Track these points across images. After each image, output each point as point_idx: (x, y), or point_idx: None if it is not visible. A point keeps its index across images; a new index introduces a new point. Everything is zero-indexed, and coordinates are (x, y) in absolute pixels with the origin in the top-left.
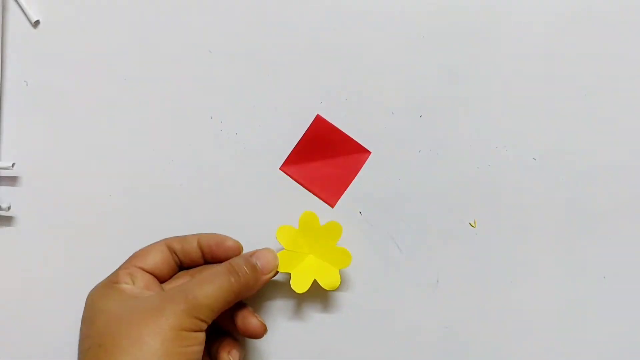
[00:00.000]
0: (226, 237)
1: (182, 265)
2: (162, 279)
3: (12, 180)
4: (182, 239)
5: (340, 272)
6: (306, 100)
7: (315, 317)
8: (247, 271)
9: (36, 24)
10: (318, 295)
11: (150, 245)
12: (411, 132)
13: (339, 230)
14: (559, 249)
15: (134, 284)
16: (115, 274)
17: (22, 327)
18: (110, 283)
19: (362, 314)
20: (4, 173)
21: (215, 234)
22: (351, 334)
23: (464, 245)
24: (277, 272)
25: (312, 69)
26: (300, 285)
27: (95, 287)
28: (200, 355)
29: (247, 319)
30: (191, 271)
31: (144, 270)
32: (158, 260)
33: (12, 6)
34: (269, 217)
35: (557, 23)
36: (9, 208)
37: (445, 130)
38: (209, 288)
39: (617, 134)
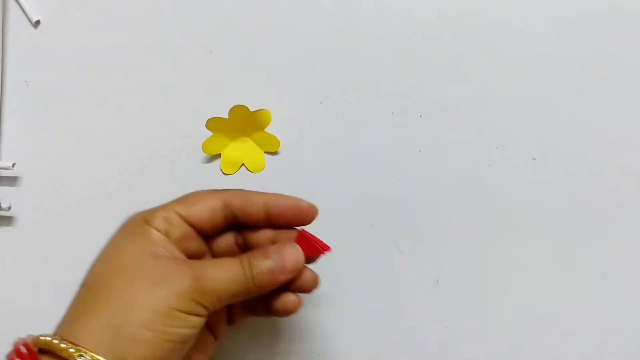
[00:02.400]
0: (299, 199)
1: (238, 223)
2: (205, 233)
3: (12, 180)
4: (244, 195)
5: (340, 272)
6: (306, 100)
7: (315, 317)
8: (264, 272)
9: (36, 24)
10: (318, 295)
11: (204, 192)
12: (411, 132)
13: (268, 116)
14: (559, 249)
15: (167, 233)
16: (153, 212)
17: (22, 327)
18: (142, 222)
19: (362, 314)
20: (4, 173)
21: (285, 195)
22: (351, 333)
23: (464, 245)
24: (300, 272)
25: (312, 69)
26: (229, 167)
27: (133, 215)
28: (191, 340)
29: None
30: (243, 233)
31: (184, 219)
32: (205, 214)
33: (12, 6)
34: None
35: (557, 23)
36: (9, 208)
37: (445, 130)
38: (222, 276)
39: (617, 134)
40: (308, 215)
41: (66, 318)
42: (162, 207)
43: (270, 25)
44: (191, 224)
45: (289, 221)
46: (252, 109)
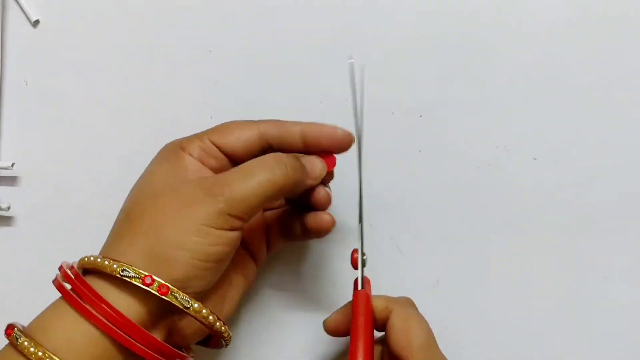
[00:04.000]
0: (335, 127)
1: (274, 151)
2: (240, 162)
3: (12, 180)
4: (280, 125)
5: (340, 272)
6: (306, 100)
7: (315, 317)
8: (295, 167)
9: (36, 23)
10: (317, 296)
11: (240, 123)
12: (411, 132)
13: None
14: (559, 249)
15: (202, 161)
16: (189, 140)
17: None
18: (178, 148)
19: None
20: (4, 173)
21: (321, 123)
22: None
23: (464, 245)
24: (319, 181)
25: (312, 69)
26: None
27: (170, 142)
28: (226, 258)
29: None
30: None
31: (219, 148)
32: (241, 144)
33: (12, 6)
34: None
35: (557, 23)
36: (8, 208)
37: (445, 130)
38: (249, 182)
39: (617, 133)
40: (344, 142)
41: (106, 244)
42: (198, 136)
43: (270, 25)
44: (226, 154)
45: (325, 149)
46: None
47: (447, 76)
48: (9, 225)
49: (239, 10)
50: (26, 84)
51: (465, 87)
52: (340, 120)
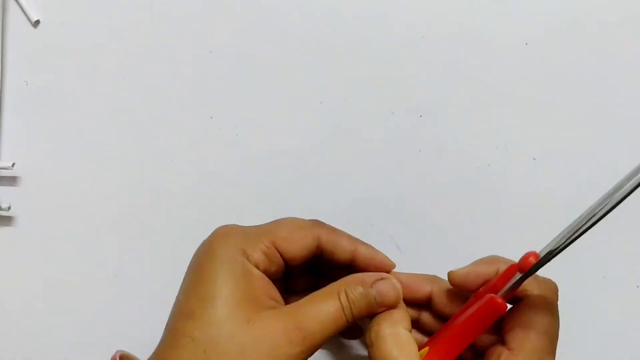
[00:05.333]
0: (385, 257)
1: (322, 257)
2: (293, 266)
3: (12, 180)
4: (336, 238)
5: None
6: (306, 100)
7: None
8: (361, 304)
9: (36, 23)
10: None
11: (300, 225)
12: (411, 132)
13: None
14: None
15: (265, 271)
16: (253, 243)
17: (22, 327)
18: (240, 253)
19: None
20: (4, 173)
21: (372, 247)
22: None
23: (464, 245)
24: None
25: (312, 69)
26: None
27: (227, 240)
28: None
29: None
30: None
31: (282, 256)
32: (302, 253)
33: (12, 6)
34: (269, 217)
35: (557, 23)
36: (9, 208)
37: (445, 130)
38: (327, 326)
39: (617, 134)
40: (387, 271)
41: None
42: (260, 238)
43: (270, 25)
44: (285, 259)
45: (369, 270)
46: (252, 108)
47: (447, 76)
48: (9, 225)
49: (239, 10)
50: (26, 84)
51: (465, 87)
52: (340, 120)
